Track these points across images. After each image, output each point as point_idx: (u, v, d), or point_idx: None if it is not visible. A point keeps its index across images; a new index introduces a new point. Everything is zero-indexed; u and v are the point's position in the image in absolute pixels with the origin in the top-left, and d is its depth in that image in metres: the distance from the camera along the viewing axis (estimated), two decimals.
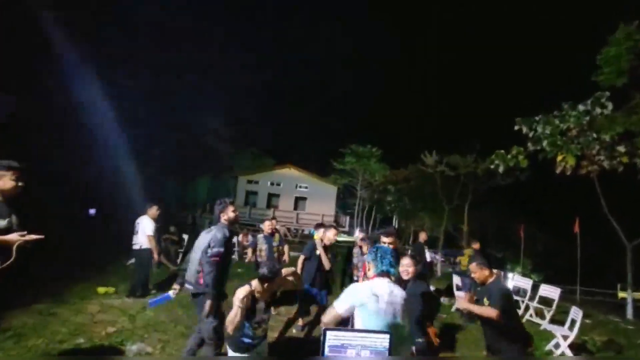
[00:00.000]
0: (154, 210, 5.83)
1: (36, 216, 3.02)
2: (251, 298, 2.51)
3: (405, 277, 3.03)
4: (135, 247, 5.70)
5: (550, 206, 18.07)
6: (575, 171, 9.17)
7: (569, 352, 4.73)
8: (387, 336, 1.53)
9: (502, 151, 10.40)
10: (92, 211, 12.68)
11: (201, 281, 3.03)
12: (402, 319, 1.98)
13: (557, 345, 4.91)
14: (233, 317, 2.38)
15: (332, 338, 1.49)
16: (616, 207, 10.06)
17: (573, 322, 4.94)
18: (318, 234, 5.08)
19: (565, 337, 4.83)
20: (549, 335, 5.19)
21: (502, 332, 2.87)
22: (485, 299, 2.94)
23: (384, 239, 3.28)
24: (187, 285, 3.25)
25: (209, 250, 3.08)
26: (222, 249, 3.08)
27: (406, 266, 3.04)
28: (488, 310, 2.81)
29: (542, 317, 6.14)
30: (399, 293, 2.08)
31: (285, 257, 5.75)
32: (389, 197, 24.08)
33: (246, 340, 2.56)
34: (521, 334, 2.96)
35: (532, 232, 16.80)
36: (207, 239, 3.16)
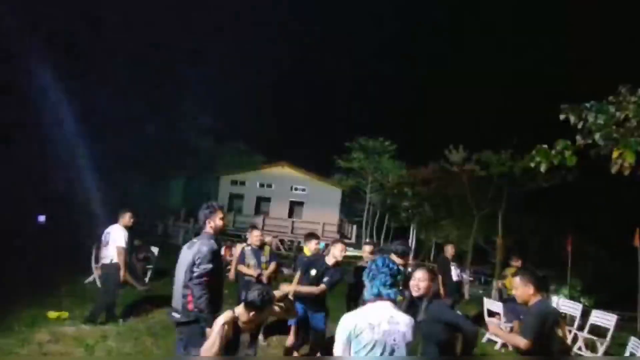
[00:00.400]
0: (127, 218, 5.84)
1: None
2: (233, 327, 2.49)
3: (415, 293, 3.00)
4: (105, 261, 5.71)
5: (604, 214, 17.89)
6: (635, 170, 9.19)
7: None
8: None
9: (545, 146, 10.42)
10: (41, 218, 12.68)
11: (190, 306, 2.98)
12: (406, 351, 1.98)
13: None
14: (209, 347, 2.36)
15: None
16: None
17: (632, 356, 4.93)
18: (309, 248, 5.08)
19: None
20: None
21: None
22: (516, 322, 2.99)
23: (395, 259, 3.28)
24: (173, 314, 3.18)
25: (195, 269, 3.02)
26: (210, 265, 3.03)
27: (418, 280, 2.98)
28: (515, 339, 2.80)
29: (594, 350, 6.12)
30: (401, 320, 2.05)
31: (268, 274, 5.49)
32: (405, 202, 24.11)
33: None
34: None
35: (582, 247, 16.72)
36: (191, 254, 3.11)
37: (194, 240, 3.33)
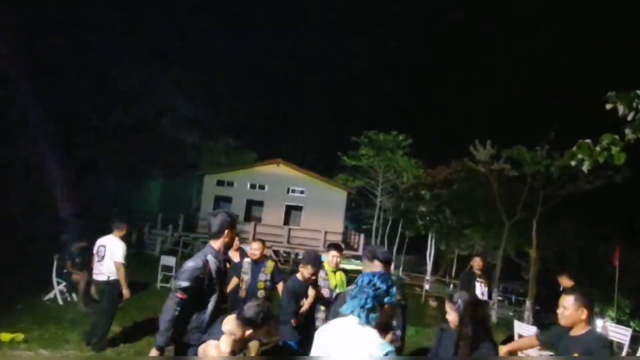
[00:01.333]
0: (123, 230, 6.15)
1: None
2: None
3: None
4: (101, 277, 5.87)
5: None
6: None
7: None
8: None
9: (589, 141, 10.41)
10: None
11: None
12: None
13: None
14: None
15: None
16: None
17: None
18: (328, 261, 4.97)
19: None
20: None
21: None
22: (576, 354, 2.87)
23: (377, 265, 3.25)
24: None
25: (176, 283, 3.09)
26: (186, 284, 2.99)
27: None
28: None
29: None
30: (359, 343, 2.00)
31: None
32: (422, 207, 24.03)
33: None
34: None
35: (631, 260, 16.67)
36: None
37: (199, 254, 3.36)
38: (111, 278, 5.79)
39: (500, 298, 16.58)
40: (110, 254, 5.83)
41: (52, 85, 17.32)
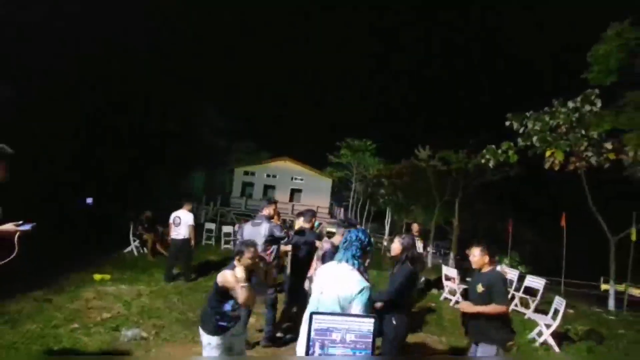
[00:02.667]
0: (190, 205, 6.62)
1: (29, 205, 3.02)
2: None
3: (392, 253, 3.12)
4: (178, 237, 6.30)
5: (538, 202, 18.16)
6: (564, 167, 9.28)
7: (551, 341, 4.82)
8: (372, 320, 1.55)
9: (493, 146, 10.51)
10: (89, 200, 12.56)
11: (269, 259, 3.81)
12: (349, 301, 1.89)
13: (539, 334, 5.00)
14: (245, 295, 2.44)
15: (318, 321, 1.50)
16: (601, 202, 10.22)
17: (556, 311, 5.03)
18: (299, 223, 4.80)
19: (548, 326, 4.92)
20: (533, 325, 5.29)
21: (486, 321, 2.82)
22: (479, 285, 2.89)
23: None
24: None
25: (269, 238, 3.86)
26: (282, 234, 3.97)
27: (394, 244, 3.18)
28: (499, 308, 2.76)
29: (527, 306, 6.24)
30: (353, 279, 1.97)
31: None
32: (382, 190, 24.14)
33: (221, 323, 2.53)
34: (508, 322, 2.96)
35: (520, 229, 16.96)
36: (262, 229, 3.89)
37: (257, 221, 4.01)
38: (185, 237, 6.27)
39: (433, 251, 16.75)
40: (185, 221, 6.28)
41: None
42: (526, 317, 5.86)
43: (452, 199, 15.55)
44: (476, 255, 3.03)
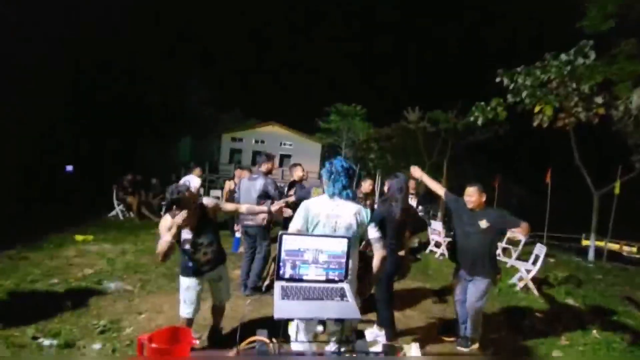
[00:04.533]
0: (198, 171, 6.46)
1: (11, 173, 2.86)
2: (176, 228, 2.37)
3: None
4: None
5: (525, 159, 18.33)
6: (552, 124, 9.24)
7: (531, 285, 4.99)
8: (346, 240, 1.46)
9: (483, 103, 10.36)
10: (69, 168, 12.18)
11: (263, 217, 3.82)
12: (345, 231, 1.92)
13: (520, 279, 5.17)
14: (161, 244, 2.34)
15: (289, 242, 1.41)
16: (588, 158, 10.36)
17: (537, 257, 5.17)
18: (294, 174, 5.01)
19: (528, 271, 5.07)
20: (514, 271, 5.45)
21: (484, 255, 2.97)
22: (483, 221, 2.96)
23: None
24: (246, 222, 3.94)
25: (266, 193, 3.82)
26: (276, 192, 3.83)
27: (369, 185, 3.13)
28: (527, 225, 2.95)
29: (509, 256, 6.41)
30: (347, 209, 1.99)
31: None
32: (371, 154, 24.08)
33: (189, 264, 2.54)
34: (495, 261, 3.10)
35: (507, 186, 17.24)
36: (258, 185, 3.85)
37: (254, 176, 3.99)
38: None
39: (421, 213, 17.07)
40: (193, 186, 6.12)
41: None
42: (508, 265, 6.02)
43: (441, 159, 15.62)
44: (474, 194, 3.07)
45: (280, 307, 1.21)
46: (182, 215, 2.35)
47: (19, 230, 5.13)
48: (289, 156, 25.69)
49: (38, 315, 2.91)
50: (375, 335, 3.19)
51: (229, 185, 6.73)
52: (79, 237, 5.54)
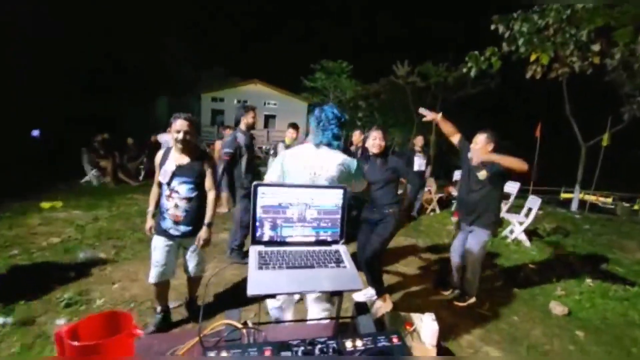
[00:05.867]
0: (229, 130, 6.31)
1: None
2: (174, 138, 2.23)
3: (375, 150, 2.78)
4: None
5: (515, 113, 18.02)
6: (546, 75, 8.90)
7: (522, 237, 4.93)
8: (342, 190, 1.13)
9: (476, 52, 9.85)
10: (35, 132, 11.29)
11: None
12: (328, 181, 1.74)
13: (511, 231, 5.10)
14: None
15: (267, 195, 1.07)
16: (578, 111, 10.20)
17: (529, 210, 5.07)
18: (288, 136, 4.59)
19: (520, 223, 4.99)
20: (506, 224, 5.37)
21: (486, 206, 2.83)
22: (482, 172, 2.83)
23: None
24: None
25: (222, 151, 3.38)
26: (230, 150, 3.28)
27: (375, 139, 2.78)
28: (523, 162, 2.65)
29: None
30: (330, 158, 1.78)
31: None
32: (359, 113, 23.46)
33: (161, 217, 2.27)
34: (497, 212, 2.93)
35: (499, 141, 17.20)
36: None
37: (235, 133, 3.46)
38: None
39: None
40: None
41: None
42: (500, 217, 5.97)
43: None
44: (480, 142, 2.87)
45: (256, 281, 0.90)
46: (181, 124, 2.16)
47: None
48: (273, 116, 24.79)
49: None
50: (369, 296, 3.02)
51: (218, 145, 6.24)
52: (45, 205, 5.08)
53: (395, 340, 0.82)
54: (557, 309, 3.02)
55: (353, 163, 1.84)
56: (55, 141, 11.03)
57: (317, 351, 0.77)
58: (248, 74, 28.69)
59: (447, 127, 3.02)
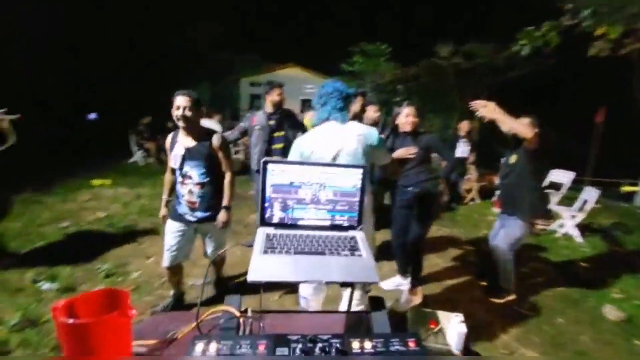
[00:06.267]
0: (218, 117, 6.56)
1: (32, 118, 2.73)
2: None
3: (407, 129, 2.59)
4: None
5: (574, 98, 16.15)
6: (614, 51, 7.85)
7: (574, 231, 4.46)
8: (361, 170, 1.00)
9: (532, 28, 8.88)
10: (92, 116, 12.16)
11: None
12: (350, 159, 1.64)
13: (562, 225, 4.64)
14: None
15: (277, 173, 0.97)
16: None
17: (584, 202, 4.56)
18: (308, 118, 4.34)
19: (573, 217, 4.51)
20: (556, 218, 4.89)
21: (518, 193, 2.55)
22: (513, 157, 2.66)
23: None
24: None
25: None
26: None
27: (407, 116, 2.59)
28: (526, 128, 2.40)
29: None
30: (347, 129, 1.68)
31: None
32: (397, 97, 22.56)
33: (176, 207, 2.22)
34: (534, 201, 2.57)
35: (547, 128, 15.76)
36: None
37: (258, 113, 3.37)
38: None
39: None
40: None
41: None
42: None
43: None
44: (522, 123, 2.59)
45: (259, 265, 0.81)
46: (181, 100, 2.03)
47: (36, 176, 5.06)
48: (309, 100, 24.68)
49: (41, 258, 2.79)
50: (396, 284, 2.89)
51: None
52: (95, 182, 5.45)
53: (411, 344, 0.70)
54: (612, 313, 2.68)
55: (373, 132, 1.72)
56: (108, 124, 11.81)
57: (317, 350, 0.67)
58: (283, 57, 28.65)
59: (509, 124, 2.53)
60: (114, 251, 3.12)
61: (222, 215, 2.20)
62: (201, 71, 21.85)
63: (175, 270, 2.30)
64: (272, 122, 3.09)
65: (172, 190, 2.28)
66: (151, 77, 17.62)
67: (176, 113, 2.04)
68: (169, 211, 2.28)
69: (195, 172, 2.12)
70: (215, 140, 2.15)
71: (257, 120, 3.11)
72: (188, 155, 2.10)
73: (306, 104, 27.22)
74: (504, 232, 2.66)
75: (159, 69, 18.29)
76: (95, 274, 2.72)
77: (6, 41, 8.73)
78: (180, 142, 2.13)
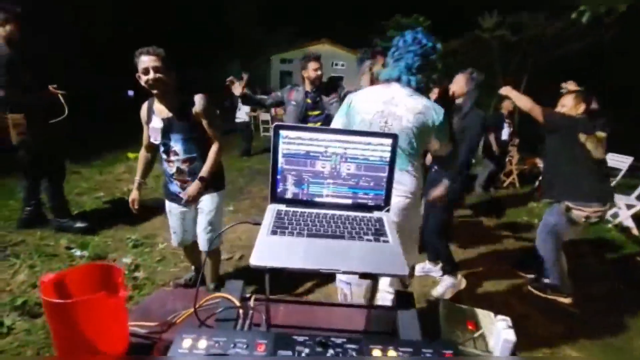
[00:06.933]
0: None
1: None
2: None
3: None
4: (239, 120, 7.05)
5: (626, 76, 14.29)
6: None
7: (630, 222, 4.00)
8: (391, 140, 0.82)
9: None
10: (130, 93, 12.56)
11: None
12: (402, 137, 1.37)
13: (615, 215, 4.17)
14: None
15: (290, 140, 0.82)
16: None
17: None
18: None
19: (629, 206, 4.03)
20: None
21: (559, 169, 2.32)
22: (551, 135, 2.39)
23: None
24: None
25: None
26: (269, 100, 3.06)
27: (462, 83, 2.43)
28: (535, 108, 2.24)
29: None
30: (406, 104, 1.37)
31: None
32: (434, 74, 21.33)
33: (170, 187, 1.93)
34: (575, 181, 2.26)
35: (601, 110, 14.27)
36: None
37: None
38: (245, 120, 7.07)
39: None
40: (243, 108, 6.84)
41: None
42: None
43: (519, 77, 13.10)
44: (567, 104, 2.32)
45: (264, 247, 0.68)
46: (148, 60, 1.65)
47: (75, 149, 5.28)
48: (341, 78, 24.04)
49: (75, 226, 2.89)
50: (427, 270, 2.72)
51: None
52: (132, 155, 5.60)
53: (448, 356, 0.54)
54: None
55: (438, 112, 1.40)
56: (144, 101, 12.19)
57: (328, 355, 0.53)
58: (314, 32, 27.81)
59: (523, 102, 2.35)
60: (143, 222, 3.19)
61: (191, 187, 1.82)
62: (233, 48, 21.89)
63: (187, 249, 2.17)
64: (309, 100, 2.80)
65: (148, 169, 2.01)
66: (184, 55, 17.95)
67: (145, 78, 1.65)
68: (164, 194, 2.01)
69: (180, 147, 1.80)
70: (197, 105, 1.77)
71: (294, 95, 2.87)
72: (168, 127, 1.77)
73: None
74: (543, 221, 2.44)
75: (192, 47, 18.50)
76: (125, 243, 2.78)
77: (53, 18, 9.09)
78: (158, 113, 1.78)
